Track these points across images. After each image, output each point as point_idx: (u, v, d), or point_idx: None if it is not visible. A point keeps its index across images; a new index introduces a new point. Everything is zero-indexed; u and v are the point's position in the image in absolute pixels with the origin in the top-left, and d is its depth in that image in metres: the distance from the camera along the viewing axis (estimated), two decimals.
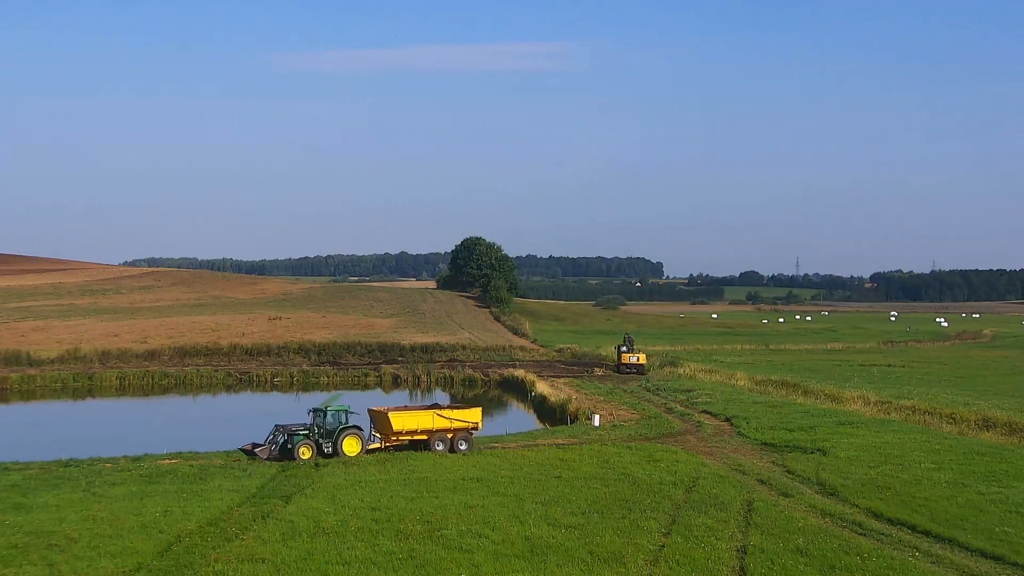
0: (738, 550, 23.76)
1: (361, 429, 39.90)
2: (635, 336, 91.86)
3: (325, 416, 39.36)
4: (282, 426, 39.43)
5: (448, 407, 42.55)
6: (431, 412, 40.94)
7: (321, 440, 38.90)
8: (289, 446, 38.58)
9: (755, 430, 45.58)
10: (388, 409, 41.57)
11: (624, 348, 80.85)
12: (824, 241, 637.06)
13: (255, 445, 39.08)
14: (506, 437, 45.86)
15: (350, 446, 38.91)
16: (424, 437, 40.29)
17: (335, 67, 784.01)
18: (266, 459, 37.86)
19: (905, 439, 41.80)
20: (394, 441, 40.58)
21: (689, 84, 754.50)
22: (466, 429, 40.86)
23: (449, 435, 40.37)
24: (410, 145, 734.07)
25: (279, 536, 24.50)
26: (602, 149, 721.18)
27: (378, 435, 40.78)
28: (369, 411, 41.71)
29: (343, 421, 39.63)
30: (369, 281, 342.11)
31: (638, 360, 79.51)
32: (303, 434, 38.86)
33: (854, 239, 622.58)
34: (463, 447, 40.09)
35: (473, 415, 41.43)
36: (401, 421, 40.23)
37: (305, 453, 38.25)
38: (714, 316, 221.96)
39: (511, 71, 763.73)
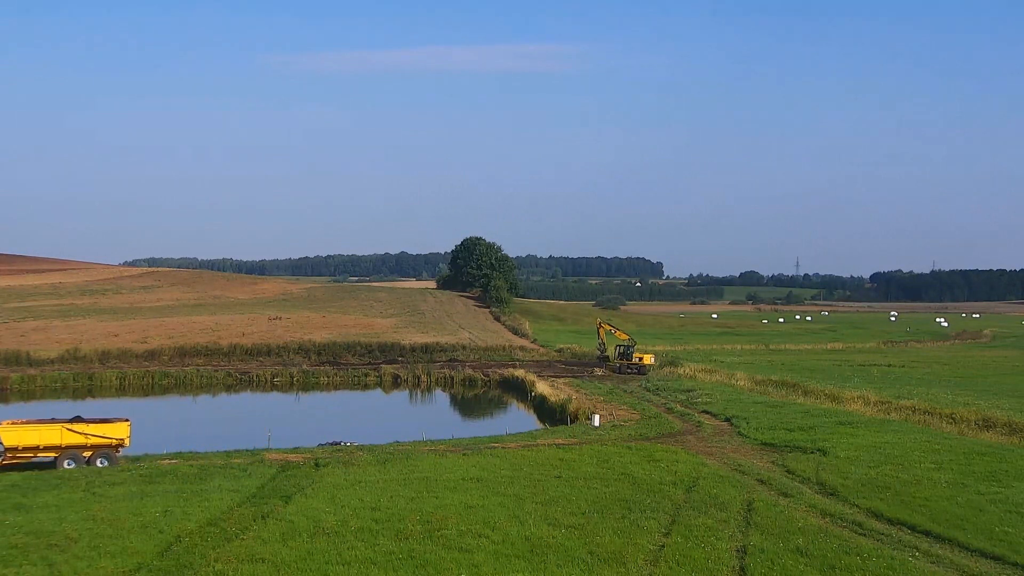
0: (738, 550, 23.74)
1: None
2: (635, 336, 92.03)
3: None
4: None
5: (88, 421, 37.66)
6: (60, 427, 36.64)
7: None
8: None
9: (755, 430, 45.57)
10: (2, 423, 37.06)
11: (630, 348, 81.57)
12: (824, 241, 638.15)
13: None
14: (506, 437, 45.84)
15: None
16: (53, 454, 36.46)
17: (335, 68, 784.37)
18: None
19: (905, 439, 41.78)
20: (10, 459, 35.83)
21: (690, 85, 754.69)
22: (109, 446, 36.99)
23: (86, 453, 36.63)
24: (410, 145, 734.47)
25: (279, 536, 24.47)
26: (602, 149, 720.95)
27: None
28: None
29: None
30: (369, 281, 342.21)
31: (643, 360, 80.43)
32: None
33: (854, 239, 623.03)
34: (102, 464, 36.36)
35: (117, 430, 37.21)
36: (15, 436, 35.91)
37: None
38: (714, 316, 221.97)
39: (512, 72, 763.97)
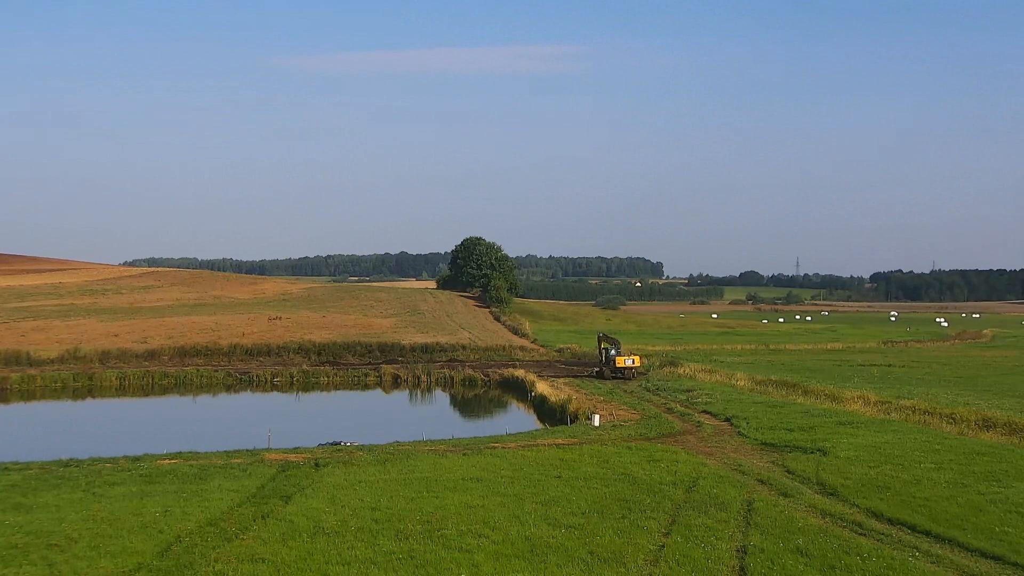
0: (738, 550, 23.73)
1: None
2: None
3: None
4: None
5: None
6: None
7: None
8: None
9: (755, 430, 45.53)
10: None
11: (613, 351, 75.70)
12: (824, 241, 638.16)
13: None
14: (506, 437, 45.79)
15: None
16: None
17: (337, 69, 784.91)
18: None
19: (905, 439, 41.76)
20: None
21: (688, 85, 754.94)
22: None
23: None
24: (410, 145, 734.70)
25: (279, 536, 24.47)
26: (602, 149, 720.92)
27: None
28: None
29: None
30: (369, 281, 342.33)
31: (633, 363, 74.76)
32: None
33: (854, 239, 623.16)
34: None
35: None
36: None
37: None
38: (714, 316, 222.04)
39: (512, 73, 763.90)
